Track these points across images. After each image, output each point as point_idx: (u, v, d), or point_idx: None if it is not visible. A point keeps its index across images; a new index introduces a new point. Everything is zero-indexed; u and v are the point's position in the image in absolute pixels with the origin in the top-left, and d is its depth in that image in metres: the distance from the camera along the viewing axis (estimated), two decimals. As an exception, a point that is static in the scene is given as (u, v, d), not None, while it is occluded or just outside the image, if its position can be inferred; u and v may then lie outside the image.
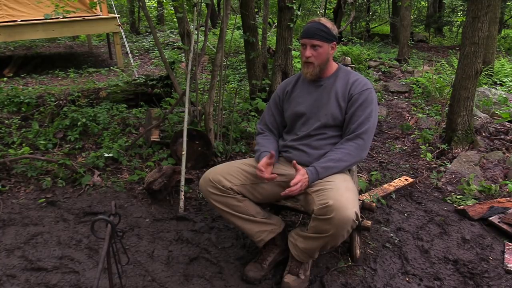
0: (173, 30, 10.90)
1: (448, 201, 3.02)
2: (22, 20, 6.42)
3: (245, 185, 2.13)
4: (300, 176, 1.98)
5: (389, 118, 5.00)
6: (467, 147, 3.79)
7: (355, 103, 2.10)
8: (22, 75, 6.41)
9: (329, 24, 2.14)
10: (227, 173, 2.12)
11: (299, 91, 2.27)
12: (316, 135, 2.16)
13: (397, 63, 8.06)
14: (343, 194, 1.85)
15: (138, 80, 4.74)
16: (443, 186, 3.25)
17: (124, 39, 7.27)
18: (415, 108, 5.27)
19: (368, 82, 2.18)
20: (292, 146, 2.22)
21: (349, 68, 2.35)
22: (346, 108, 2.13)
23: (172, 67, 4.70)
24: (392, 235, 2.59)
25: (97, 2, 3.99)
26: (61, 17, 3.31)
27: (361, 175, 3.39)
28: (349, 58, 2.66)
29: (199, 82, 4.12)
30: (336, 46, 2.22)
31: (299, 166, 2.03)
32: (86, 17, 6.79)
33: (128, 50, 7.17)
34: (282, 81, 2.78)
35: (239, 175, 2.14)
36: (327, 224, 1.83)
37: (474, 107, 3.95)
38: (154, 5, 14.20)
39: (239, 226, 2.16)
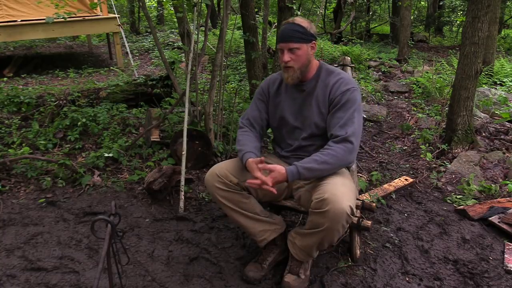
0: (173, 30, 10.90)
1: (448, 201, 3.02)
2: (22, 20, 6.42)
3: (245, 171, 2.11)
4: (275, 174, 1.90)
5: (389, 118, 5.00)
6: (467, 147, 3.79)
7: (336, 106, 2.01)
8: (22, 75, 6.41)
9: (305, 23, 2.03)
10: (233, 169, 2.11)
11: (283, 96, 2.19)
12: (307, 146, 2.14)
13: (397, 63, 8.06)
14: (338, 189, 1.86)
15: (138, 80, 4.74)
16: (443, 186, 3.25)
17: (124, 39, 7.27)
18: (415, 108, 5.27)
19: (350, 81, 2.07)
20: (287, 156, 2.22)
21: (329, 66, 2.18)
22: (328, 113, 2.06)
23: (172, 67, 4.70)
24: (392, 235, 2.59)
25: (98, 3, 3.99)
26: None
27: (361, 175, 3.39)
28: (349, 58, 2.66)
29: (199, 82, 4.12)
30: (316, 45, 2.09)
31: (274, 166, 1.94)
32: (86, 17, 6.79)
33: (128, 50, 7.17)
34: None
35: (244, 171, 2.12)
36: (323, 217, 1.83)
37: (474, 107, 3.95)
38: (154, 5, 14.20)
39: (243, 224, 2.15)
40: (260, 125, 2.26)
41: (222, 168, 2.11)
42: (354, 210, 1.87)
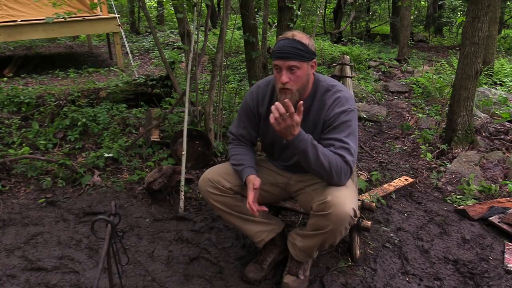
0: (173, 30, 10.89)
1: (448, 201, 3.02)
2: (22, 20, 6.42)
3: (243, 186, 2.12)
4: (296, 119, 1.70)
5: (389, 118, 5.00)
6: (467, 147, 3.79)
7: (329, 127, 1.90)
8: (22, 75, 6.41)
9: (305, 39, 1.83)
10: (225, 173, 2.11)
11: None
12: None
13: (397, 63, 8.06)
14: (341, 191, 1.85)
15: (138, 80, 4.74)
16: (443, 186, 3.24)
17: (124, 39, 7.26)
18: (415, 108, 5.27)
19: (347, 100, 1.90)
20: (282, 168, 2.20)
21: (325, 81, 1.98)
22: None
23: (172, 67, 4.70)
24: (392, 235, 2.59)
25: (98, 3, 3.99)
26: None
27: (361, 173, 3.38)
28: (348, 57, 2.66)
29: (199, 82, 4.12)
30: (316, 64, 1.89)
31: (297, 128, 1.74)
32: (86, 17, 6.79)
33: (128, 50, 7.17)
34: None
35: (236, 175, 2.13)
36: (326, 220, 1.83)
37: (474, 107, 3.95)
38: (154, 5, 14.20)
39: (239, 227, 2.15)
40: (250, 140, 2.19)
41: (215, 173, 2.10)
42: (357, 212, 1.87)
